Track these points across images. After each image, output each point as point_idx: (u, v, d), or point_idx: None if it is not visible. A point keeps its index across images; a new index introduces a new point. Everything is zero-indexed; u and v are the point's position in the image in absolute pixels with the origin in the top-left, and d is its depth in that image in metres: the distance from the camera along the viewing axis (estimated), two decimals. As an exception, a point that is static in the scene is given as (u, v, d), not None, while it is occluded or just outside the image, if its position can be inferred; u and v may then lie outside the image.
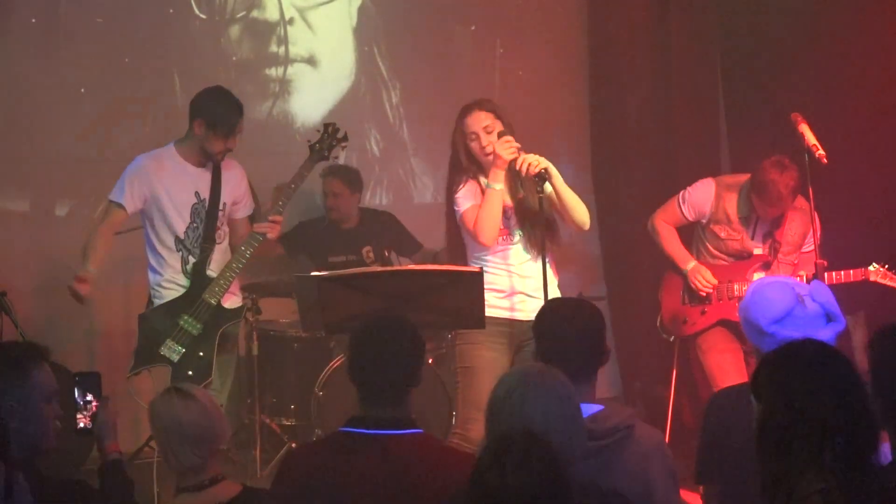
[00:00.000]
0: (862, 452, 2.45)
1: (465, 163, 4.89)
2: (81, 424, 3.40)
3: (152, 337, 5.09)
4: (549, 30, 7.52)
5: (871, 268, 5.36)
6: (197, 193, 5.18)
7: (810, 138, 5.15)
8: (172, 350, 5.07)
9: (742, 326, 3.80)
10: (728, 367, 5.42)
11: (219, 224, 5.22)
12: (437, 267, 4.76)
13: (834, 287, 4.93)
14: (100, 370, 3.66)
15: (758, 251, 5.48)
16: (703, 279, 5.50)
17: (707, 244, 5.60)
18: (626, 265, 7.31)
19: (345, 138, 5.41)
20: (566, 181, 4.94)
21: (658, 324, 5.80)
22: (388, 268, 4.78)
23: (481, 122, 4.86)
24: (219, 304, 5.15)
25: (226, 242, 5.30)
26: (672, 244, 5.66)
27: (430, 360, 5.99)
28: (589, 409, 3.19)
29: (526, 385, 2.91)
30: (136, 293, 6.39)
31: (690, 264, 5.56)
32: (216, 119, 5.11)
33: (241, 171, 5.39)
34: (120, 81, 6.75)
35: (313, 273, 4.58)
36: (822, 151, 5.13)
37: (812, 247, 5.32)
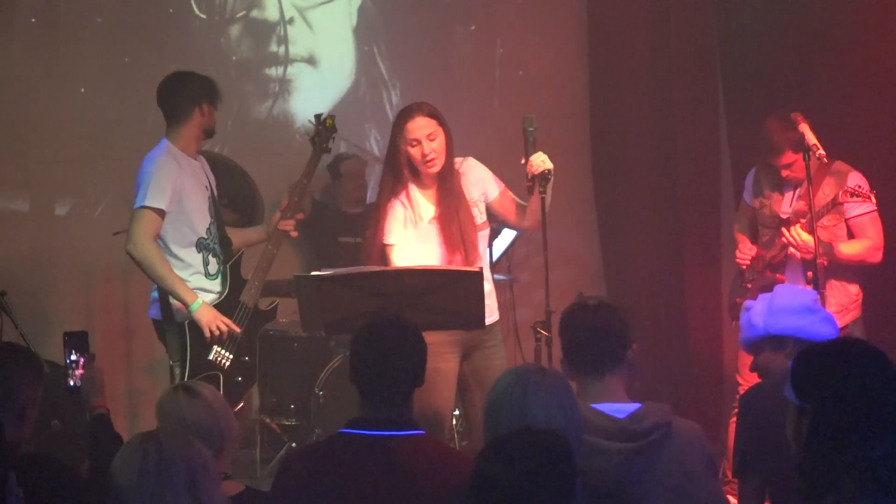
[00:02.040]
0: None
1: (401, 167, 4.78)
2: (71, 383, 3.44)
3: (200, 345, 4.88)
4: (549, 30, 7.52)
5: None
6: (206, 186, 5.03)
7: (810, 138, 5.15)
8: (221, 356, 4.91)
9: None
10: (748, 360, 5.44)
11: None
12: (437, 267, 4.75)
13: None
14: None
15: (785, 215, 5.46)
16: (742, 250, 5.61)
17: (758, 223, 5.68)
18: (625, 265, 7.31)
19: (334, 128, 5.33)
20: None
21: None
22: (389, 268, 4.76)
23: (424, 129, 4.70)
24: (255, 306, 5.07)
25: None
26: (738, 230, 5.81)
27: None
28: (621, 408, 3.19)
29: (525, 385, 2.91)
30: (136, 293, 6.40)
31: (742, 242, 5.68)
32: (212, 92, 5.05)
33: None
34: (120, 81, 6.76)
35: (313, 273, 4.57)
36: (822, 151, 5.13)
37: (868, 209, 5.25)
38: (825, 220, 5.32)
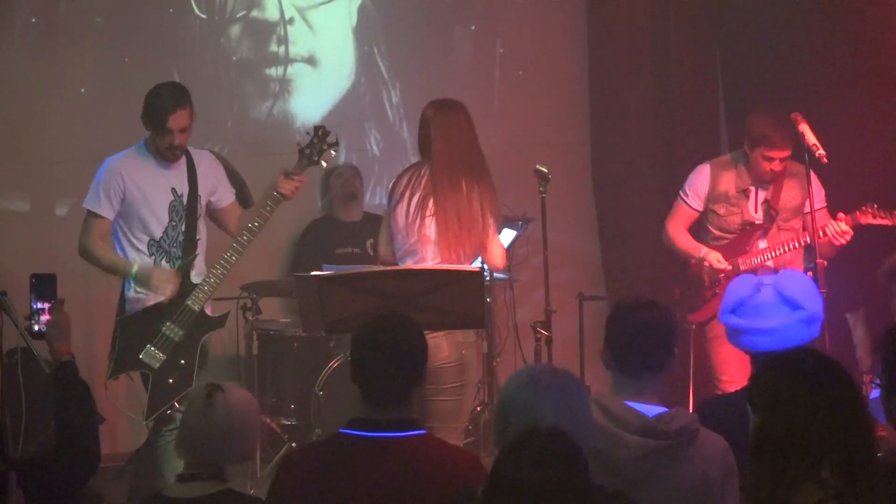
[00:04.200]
0: (860, 467, 2.43)
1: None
2: (36, 328, 3.34)
3: (132, 342, 4.94)
4: (549, 30, 7.52)
5: (863, 207, 5.32)
6: (174, 190, 5.07)
7: (810, 138, 5.17)
8: (153, 357, 4.93)
9: None
10: (730, 358, 5.43)
11: (199, 224, 5.12)
12: (437, 267, 4.75)
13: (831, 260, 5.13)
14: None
15: (757, 221, 5.49)
16: (717, 260, 5.48)
17: (709, 227, 5.61)
18: (625, 265, 7.30)
19: (336, 143, 5.16)
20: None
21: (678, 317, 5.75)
22: (389, 268, 4.76)
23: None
24: (202, 310, 5.02)
25: (204, 240, 5.18)
26: (683, 239, 5.67)
27: (430, 360, 5.98)
28: (651, 409, 3.19)
29: (536, 385, 2.89)
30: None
31: (703, 250, 5.56)
32: (149, 116, 5.01)
33: (210, 160, 5.29)
34: (120, 81, 6.75)
35: (313, 273, 4.57)
36: (822, 151, 5.15)
37: (822, 204, 5.43)
38: (795, 223, 5.48)
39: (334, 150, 5.19)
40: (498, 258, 4.84)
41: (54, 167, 6.66)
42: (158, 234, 5.05)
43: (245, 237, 5.02)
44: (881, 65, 6.13)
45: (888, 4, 6.16)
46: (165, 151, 5.03)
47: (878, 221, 5.34)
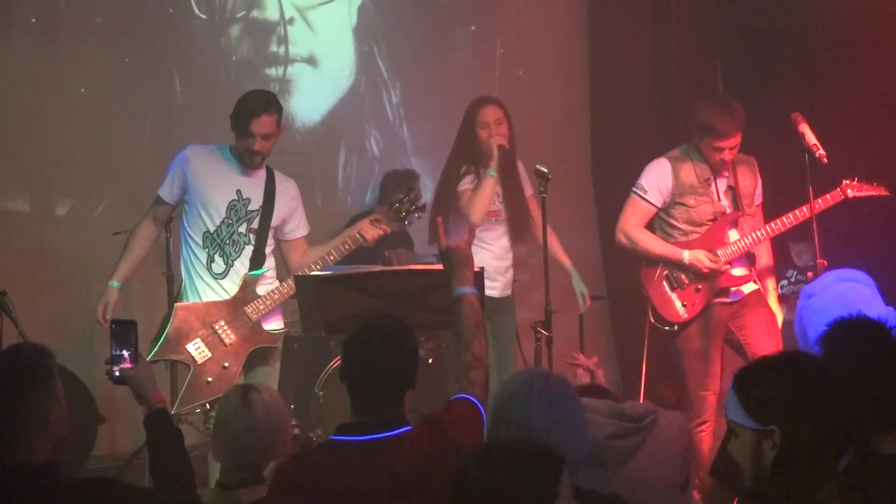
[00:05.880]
0: (868, 453, 2.51)
1: (468, 150, 5.54)
2: (117, 374, 3.32)
3: (184, 330, 4.99)
4: (549, 30, 7.52)
5: (846, 182, 5.36)
6: (239, 192, 5.09)
7: (810, 138, 5.17)
8: (199, 351, 4.97)
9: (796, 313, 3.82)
10: (705, 372, 5.46)
11: (269, 240, 5.15)
12: (437, 267, 4.75)
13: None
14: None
15: (728, 210, 5.44)
16: (709, 259, 5.35)
17: (675, 224, 5.46)
18: (626, 265, 7.27)
19: (423, 208, 5.25)
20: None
21: (653, 319, 5.61)
22: (388, 268, 4.77)
23: (494, 115, 5.61)
24: (258, 322, 5.09)
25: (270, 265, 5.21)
26: (655, 243, 5.50)
27: (429, 361, 5.99)
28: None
29: (529, 391, 2.90)
30: (137, 293, 6.41)
31: (686, 254, 5.40)
32: (235, 116, 5.02)
33: (292, 189, 5.27)
34: (120, 81, 6.76)
35: (313, 273, 4.57)
36: (822, 151, 5.15)
37: (759, 199, 5.56)
38: (753, 210, 5.51)
39: (419, 215, 5.30)
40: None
41: (54, 167, 6.66)
42: (213, 226, 5.07)
43: (275, 296, 5.14)
44: (881, 65, 6.13)
45: (888, 4, 6.16)
46: (244, 154, 5.04)
47: (865, 193, 5.36)
